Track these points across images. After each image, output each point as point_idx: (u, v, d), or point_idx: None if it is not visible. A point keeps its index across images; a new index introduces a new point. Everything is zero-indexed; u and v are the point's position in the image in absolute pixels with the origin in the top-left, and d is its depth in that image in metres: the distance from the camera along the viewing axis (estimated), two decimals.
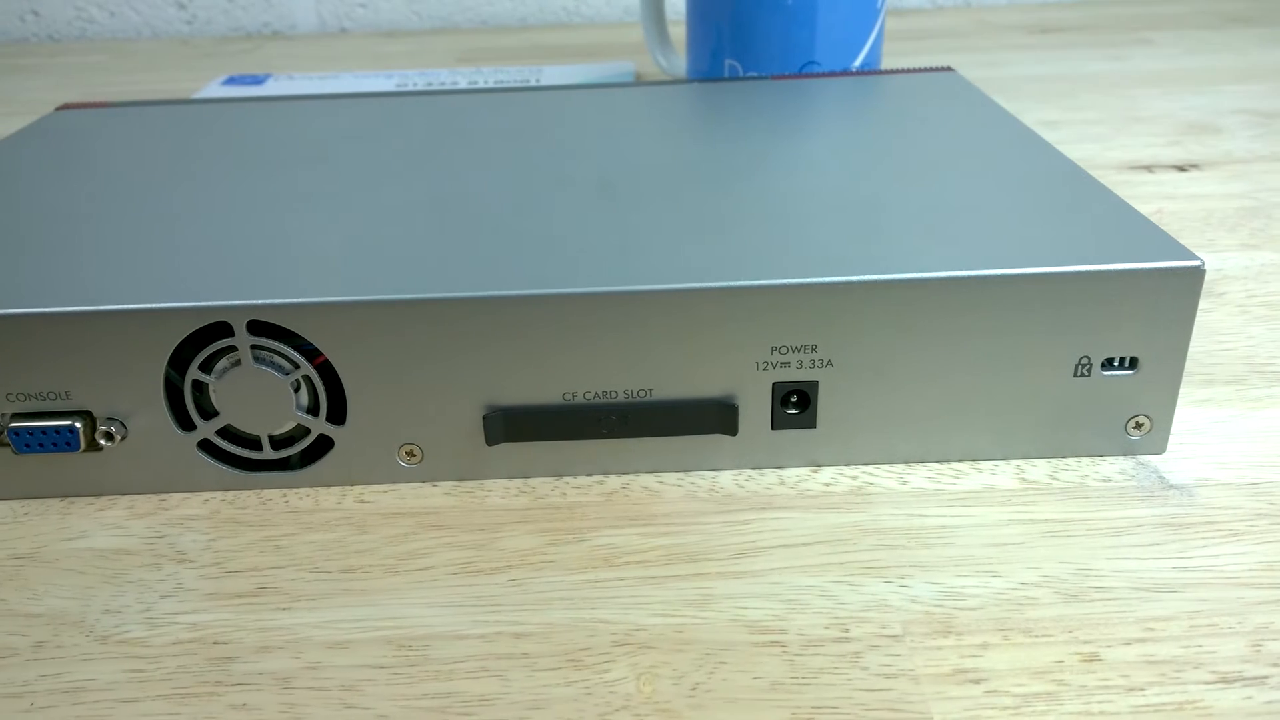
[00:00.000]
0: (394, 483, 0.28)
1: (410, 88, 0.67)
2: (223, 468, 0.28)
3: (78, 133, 0.40)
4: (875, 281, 0.26)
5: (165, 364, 0.26)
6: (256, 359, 0.26)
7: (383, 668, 0.22)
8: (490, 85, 0.66)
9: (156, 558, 0.26)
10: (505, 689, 0.21)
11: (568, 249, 0.28)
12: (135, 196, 0.33)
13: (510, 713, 0.21)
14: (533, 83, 0.68)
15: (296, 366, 0.27)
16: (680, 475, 0.28)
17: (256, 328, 0.26)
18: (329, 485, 0.28)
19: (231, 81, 0.70)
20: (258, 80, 0.70)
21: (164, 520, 0.27)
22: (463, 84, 0.68)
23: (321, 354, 0.26)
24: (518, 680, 0.22)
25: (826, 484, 0.27)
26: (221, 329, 0.26)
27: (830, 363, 0.26)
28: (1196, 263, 0.25)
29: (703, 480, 0.28)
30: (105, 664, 0.22)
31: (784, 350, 0.26)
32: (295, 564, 0.25)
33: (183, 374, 0.27)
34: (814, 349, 0.26)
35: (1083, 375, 0.27)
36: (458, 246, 0.28)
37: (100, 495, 0.28)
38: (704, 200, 0.31)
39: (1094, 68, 0.68)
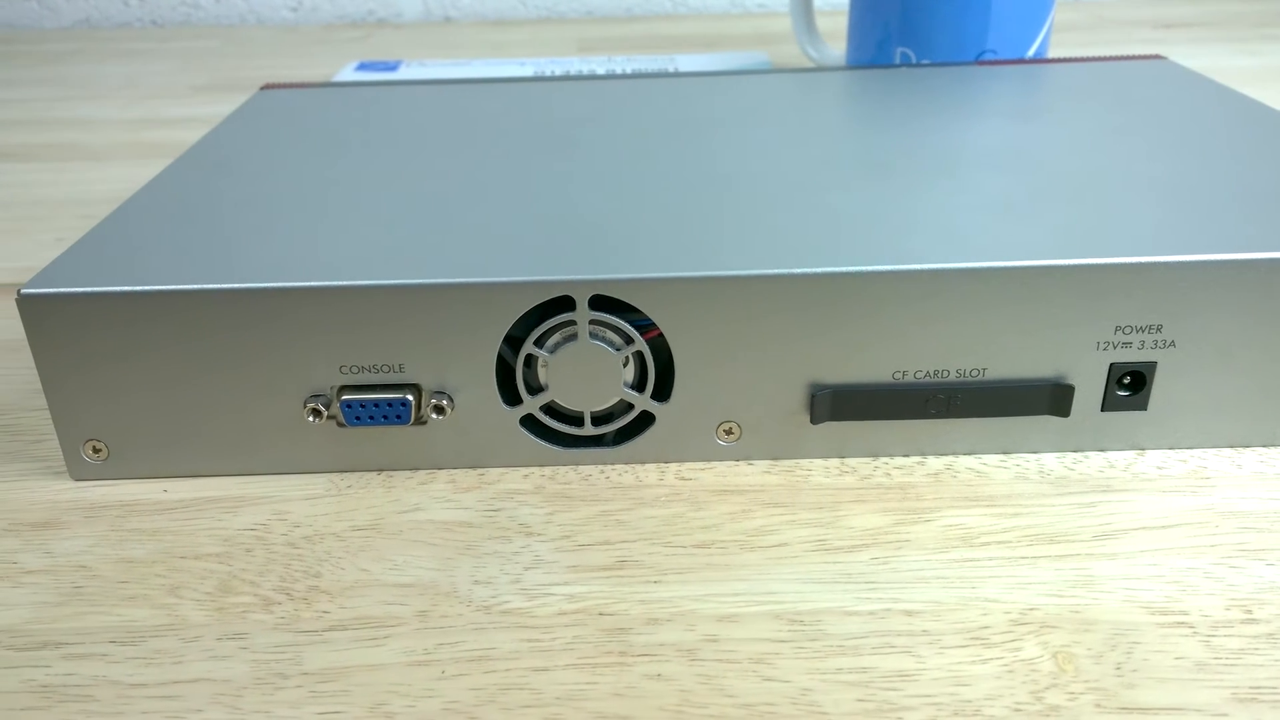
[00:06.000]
0: (708, 460, 0.28)
1: (549, 74, 0.67)
2: (541, 443, 0.28)
3: (302, 112, 0.40)
4: (1228, 261, 0.25)
5: (502, 337, 0.26)
6: (592, 334, 0.26)
7: (783, 641, 0.22)
8: (629, 72, 0.66)
9: (502, 530, 0.25)
10: (920, 665, 0.21)
11: (885, 227, 0.27)
12: (417, 173, 0.32)
13: (936, 688, 0.21)
14: (670, 71, 0.67)
15: (629, 342, 0.26)
16: (1001, 457, 0.28)
17: (597, 302, 0.26)
18: (643, 462, 0.28)
19: (364, 67, 0.70)
20: (390, 66, 0.70)
21: (492, 494, 0.27)
22: (600, 71, 0.68)
23: (653, 329, 0.26)
24: (929, 657, 0.21)
25: (1160, 467, 0.27)
26: (562, 303, 0.26)
27: (1173, 343, 0.26)
28: None
29: (1027, 462, 0.27)
30: (498, 634, 0.22)
31: (1128, 330, 0.26)
32: (644, 538, 0.25)
33: (514, 348, 0.27)
34: (1159, 329, 0.26)
35: None
36: (771, 224, 0.28)
37: (416, 469, 0.28)
38: (990, 181, 0.30)
39: (1235, 63, 0.67)
